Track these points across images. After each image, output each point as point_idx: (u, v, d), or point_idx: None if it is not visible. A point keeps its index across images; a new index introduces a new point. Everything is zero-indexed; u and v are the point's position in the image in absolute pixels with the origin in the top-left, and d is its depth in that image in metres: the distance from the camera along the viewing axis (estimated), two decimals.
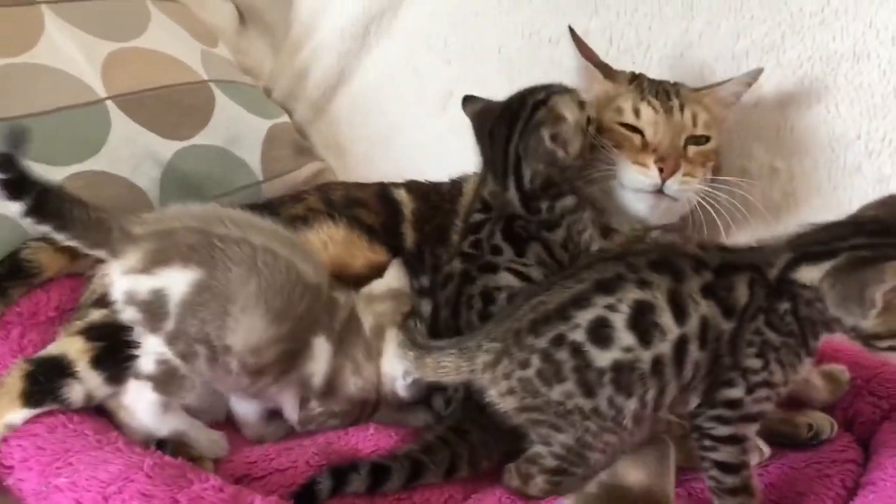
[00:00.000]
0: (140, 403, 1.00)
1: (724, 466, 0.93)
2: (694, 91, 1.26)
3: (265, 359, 1.01)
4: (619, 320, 0.90)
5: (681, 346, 0.90)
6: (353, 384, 1.08)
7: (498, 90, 1.55)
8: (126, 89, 1.47)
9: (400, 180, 1.41)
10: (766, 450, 1.03)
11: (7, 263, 1.24)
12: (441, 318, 1.13)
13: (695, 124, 1.22)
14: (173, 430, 1.00)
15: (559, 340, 0.92)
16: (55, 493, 0.91)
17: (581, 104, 1.17)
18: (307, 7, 1.85)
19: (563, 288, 0.94)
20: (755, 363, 0.91)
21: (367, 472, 0.96)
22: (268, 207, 1.31)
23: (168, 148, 1.48)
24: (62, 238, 0.99)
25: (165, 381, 0.98)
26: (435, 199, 1.35)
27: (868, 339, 0.89)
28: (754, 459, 1.00)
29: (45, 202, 0.95)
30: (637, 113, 1.23)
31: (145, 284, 0.96)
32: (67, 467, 0.93)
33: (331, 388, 1.07)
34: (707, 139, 1.23)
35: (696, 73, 1.37)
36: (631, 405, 0.92)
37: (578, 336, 0.91)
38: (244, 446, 1.03)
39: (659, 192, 1.18)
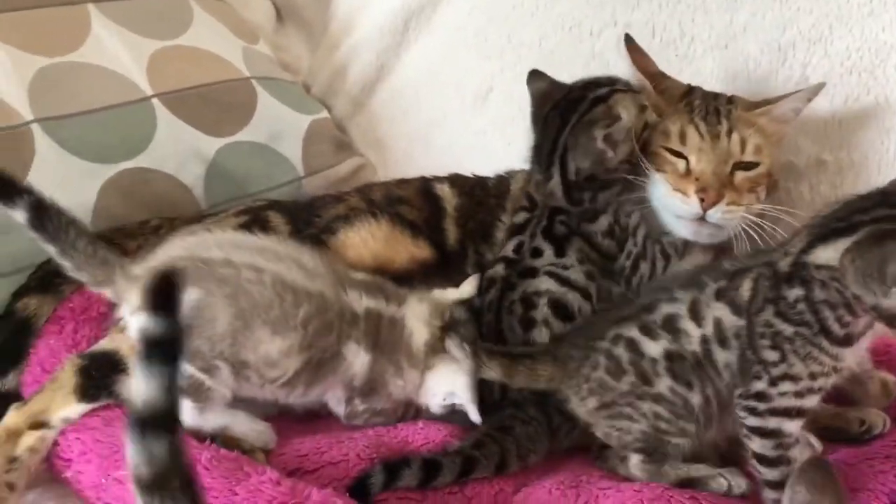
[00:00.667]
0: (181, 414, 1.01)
1: (760, 458, 0.93)
2: (749, 109, 1.20)
3: (286, 370, 1.03)
4: (656, 327, 0.99)
5: (705, 346, 0.95)
6: (395, 386, 1.09)
7: None
8: (171, 87, 1.49)
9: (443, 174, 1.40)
10: (818, 445, 1.02)
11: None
12: (484, 321, 1.13)
13: (743, 150, 1.16)
14: (216, 427, 1.01)
15: (617, 339, 1.00)
16: (115, 486, 0.93)
17: (642, 107, 1.16)
18: (346, 4, 1.86)
19: (621, 310, 1.04)
20: (772, 355, 0.91)
21: (419, 466, 0.97)
22: (309, 207, 1.32)
23: (212, 145, 1.50)
24: (68, 267, 1.02)
25: (195, 392, 1.00)
26: (479, 194, 1.33)
27: (891, 319, 0.86)
28: (805, 455, 1.00)
29: (44, 217, 1.00)
30: (683, 138, 1.17)
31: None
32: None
33: (373, 388, 1.08)
34: (756, 165, 1.17)
35: (740, 65, 1.36)
36: (694, 398, 0.96)
37: (632, 333, 0.99)
38: (295, 439, 1.04)
39: (701, 219, 1.13)
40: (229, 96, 1.57)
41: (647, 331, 0.99)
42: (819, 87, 1.22)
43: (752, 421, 0.93)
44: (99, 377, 1.05)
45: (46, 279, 1.24)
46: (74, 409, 1.03)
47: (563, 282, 1.10)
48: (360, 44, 1.82)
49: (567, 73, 1.52)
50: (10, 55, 1.35)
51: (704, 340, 0.95)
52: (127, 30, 1.51)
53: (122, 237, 1.32)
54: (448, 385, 1.06)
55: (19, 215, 0.99)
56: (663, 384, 0.97)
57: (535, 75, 1.23)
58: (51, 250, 1.02)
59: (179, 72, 1.52)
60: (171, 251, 1.05)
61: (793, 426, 0.93)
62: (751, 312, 0.92)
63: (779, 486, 0.91)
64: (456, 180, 1.37)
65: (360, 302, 1.08)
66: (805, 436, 0.98)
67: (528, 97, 1.25)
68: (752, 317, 0.92)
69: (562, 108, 1.15)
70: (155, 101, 1.46)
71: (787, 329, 0.91)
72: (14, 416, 1.04)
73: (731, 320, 0.94)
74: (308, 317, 1.02)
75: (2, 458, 1.00)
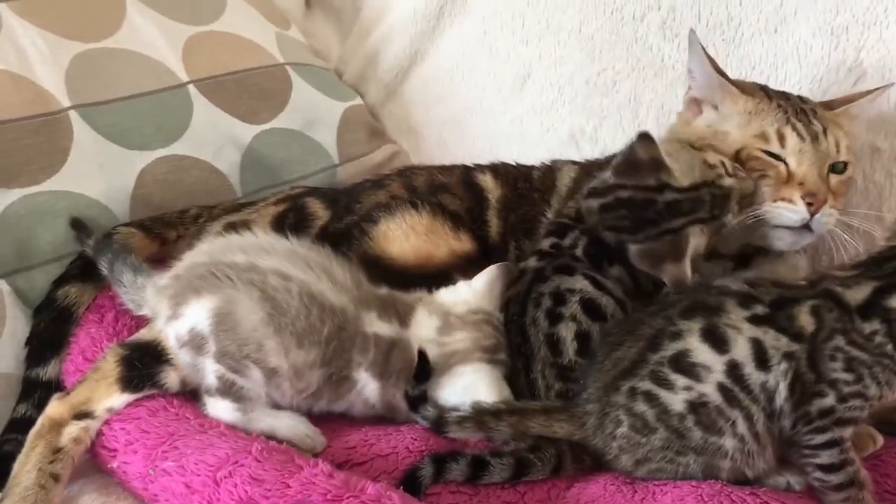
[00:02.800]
0: (221, 413, 1.00)
1: (827, 468, 0.91)
2: (827, 109, 1.17)
3: (310, 383, 1.01)
4: (668, 372, 0.92)
5: (734, 371, 0.90)
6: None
7: (578, 70, 1.55)
8: (206, 73, 1.48)
9: (485, 162, 1.37)
10: (880, 439, 1.00)
11: None
12: (508, 313, 1.08)
13: (838, 151, 1.13)
14: (261, 431, 0.98)
15: (633, 393, 0.93)
16: (163, 477, 0.91)
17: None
18: None
19: (628, 345, 0.96)
20: (845, 376, 0.89)
21: (468, 463, 0.94)
22: (349, 194, 1.30)
23: (248, 131, 1.48)
24: (122, 298, 1.11)
25: (229, 391, 0.99)
26: (523, 186, 1.30)
27: None
28: (868, 450, 0.98)
29: (113, 266, 1.11)
30: (782, 140, 1.13)
31: (182, 327, 0.99)
32: (174, 451, 0.93)
33: (393, 407, 1.05)
34: (846, 166, 1.14)
35: (790, 49, 1.33)
36: (727, 442, 0.90)
37: (647, 385, 0.92)
38: (343, 431, 1.02)
39: (804, 227, 1.10)
40: (264, 83, 1.55)
41: (661, 381, 0.91)
42: (888, 87, 1.19)
43: (820, 438, 0.90)
44: (142, 367, 1.04)
45: (87, 267, 1.22)
46: (118, 399, 1.02)
47: (599, 286, 1.05)
48: (393, 29, 1.79)
49: (608, 57, 1.51)
50: (47, 41, 1.34)
51: (732, 366, 0.90)
52: (162, 15, 1.50)
53: (161, 226, 1.31)
54: (465, 397, 1.00)
55: (103, 268, 1.13)
56: (696, 436, 0.90)
57: (644, 139, 1.09)
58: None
59: (214, 58, 1.50)
60: (195, 257, 1.04)
61: (850, 431, 0.91)
62: (816, 340, 0.90)
63: (846, 486, 0.89)
64: (499, 169, 1.33)
65: (373, 326, 1.03)
66: (868, 429, 0.95)
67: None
68: (817, 344, 0.90)
69: (638, 208, 1.06)
70: (191, 87, 1.45)
71: (866, 357, 0.89)
72: (57, 406, 1.02)
73: (781, 343, 0.90)
74: (331, 334, 1.00)
75: (46, 449, 0.99)
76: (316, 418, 1.03)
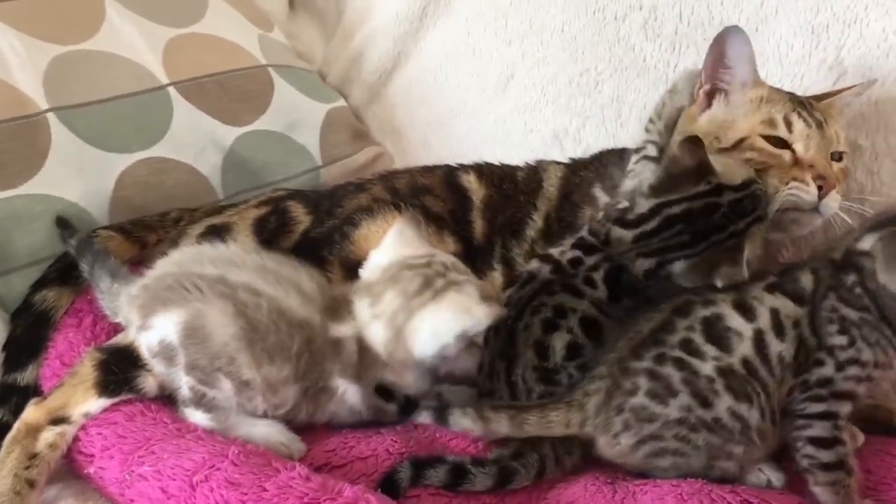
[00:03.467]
0: (198, 420, 0.99)
1: (818, 441, 0.92)
2: (817, 101, 1.18)
3: (286, 399, 1.00)
4: (698, 338, 0.92)
5: (759, 340, 0.92)
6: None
7: (561, 70, 1.55)
8: (187, 75, 1.46)
9: (468, 163, 1.36)
10: (860, 437, 1.00)
11: None
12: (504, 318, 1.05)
13: (838, 140, 1.14)
14: (238, 437, 0.97)
15: (661, 358, 0.92)
16: (139, 482, 0.90)
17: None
18: None
19: (648, 319, 0.96)
20: (840, 340, 0.92)
21: (447, 470, 0.93)
22: (331, 197, 1.29)
23: (229, 133, 1.47)
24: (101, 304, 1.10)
25: (200, 402, 0.98)
26: (508, 187, 1.29)
27: None
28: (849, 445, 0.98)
29: (94, 269, 1.11)
30: (789, 126, 1.12)
31: (152, 339, 0.99)
32: (150, 456, 0.92)
33: (378, 407, 1.03)
34: (842, 155, 1.15)
35: (772, 48, 1.32)
36: (754, 415, 0.90)
37: (676, 352, 0.92)
38: (323, 434, 1.02)
39: (812, 210, 1.09)
40: (246, 84, 1.54)
41: (691, 349, 0.91)
42: (871, 83, 1.19)
43: (815, 408, 0.91)
44: (119, 372, 1.03)
45: (65, 271, 1.22)
46: (95, 403, 1.01)
47: (604, 313, 1.04)
48: (376, 31, 1.78)
49: (591, 58, 1.51)
50: (25, 44, 1.33)
51: (759, 335, 0.91)
52: (142, 17, 1.49)
53: (141, 230, 1.30)
54: (433, 333, 0.97)
55: (84, 270, 1.14)
56: (722, 405, 0.89)
57: (689, 144, 1.04)
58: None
59: (195, 60, 1.49)
60: (165, 267, 1.04)
61: (847, 409, 0.92)
62: (815, 301, 0.93)
63: (834, 467, 0.90)
64: (483, 170, 1.33)
65: (338, 330, 1.02)
66: (849, 427, 0.95)
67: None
68: (816, 304, 0.93)
69: (698, 217, 1.01)
70: (171, 89, 1.44)
71: (852, 314, 0.91)
72: (33, 411, 1.02)
73: (790, 309, 0.93)
74: (301, 349, 0.99)
75: (22, 455, 0.98)
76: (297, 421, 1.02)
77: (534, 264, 1.10)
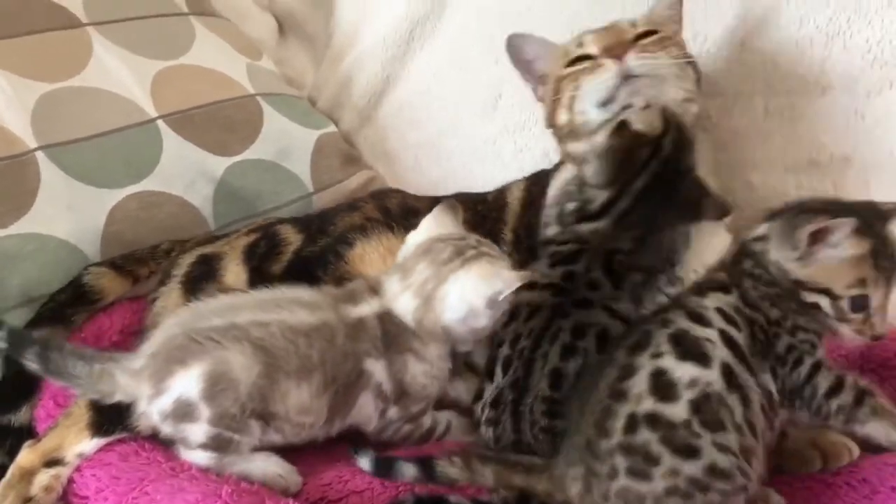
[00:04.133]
0: (196, 459, 0.98)
1: (831, 391, 0.92)
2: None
3: (319, 412, 1.00)
4: (670, 362, 0.87)
5: (728, 339, 0.90)
6: (420, 373, 1.04)
7: None
8: (175, 108, 1.47)
9: (449, 192, 1.38)
10: (856, 449, 0.99)
11: (70, 290, 1.24)
12: (517, 347, 1.04)
13: (635, 26, 1.20)
14: (236, 473, 0.97)
15: (631, 423, 0.84)
16: None
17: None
18: (348, 16, 1.83)
19: (603, 375, 0.90)
20: (776, 312, 0.93)
21: None
22: (323, 217, 1.29)
23: (219, 164, 1.47)
24: (78, 393, 1.02)
25: (218, 446, 0.97)
26: (482, 209, 1.31)
27: (796, 285, 0.93)
28: (843, 461, 0.98)
29: (48, 359, 0.98)
30: (581, 44, 1.21)
31: (165, 402, 0.96)
32: (144, 497, 0.92)
33: (403, 391, 1.04)
34: (654, 31, 1.18)
35: (757, 63, 1.33)
36: (731, 439, 0.84)
37: (646, 406, 0.84)
38: (318, 468, 1.01)
39: (625, 77, 1.13)
40: (235, 114, 1.54)
41: (662, 385, 0.85)
42: None
43: (804, 368, 0.92)
44: (113, 411, 1.02)
45: (58, 310, 1.22)
46: (89, 444, 1.01)
47: (613, 314, 1.04)
48: (364, 55, 1.79)
49: None
50: (11, 82, 1.33)
51: (724, 334, 0.89)
52: (129, 51, 1.49)
53: (133, 264, 1.30)
54: (461, 296, 1.01)
55: (32, 366, 0.98)
56: (706, 444, 0.82)
57: (619, 127, 1.08)
58: (62, 384, 1.02)
59: (184, 92, 1.50)
60: (167, 331, 1.01)
61: (823, 352, 0.94)
62: (738, 286, 0.95)
63: (859, 399, 0.93)
64: (460, 196, 1.33)
65: (357, 311, 1.04)
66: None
67: None
68: (740, 289, 0.95)
69: (658, 176, 1.07)
70: (160, 122, 1.44)
71: (769, 290, 0.94)
72: (28, 454, 1.01)
73: (725, 300, 0.93)
74: (323, 353, 0.99)
75: (17, 500, 0.98)
76: (291, 456, 1.01)
77: (534, 296, 1.07)
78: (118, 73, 1.45)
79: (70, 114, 1.36)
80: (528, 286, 1.06)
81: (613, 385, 0.87)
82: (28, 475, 0.99)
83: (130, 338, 1.21)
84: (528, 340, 1.03)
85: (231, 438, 0.96)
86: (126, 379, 0.97)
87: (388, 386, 1.03)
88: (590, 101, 1.17)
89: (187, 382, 0.95)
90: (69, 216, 1.28)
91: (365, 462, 0.96)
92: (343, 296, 1.07)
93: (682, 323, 0.91)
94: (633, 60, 1.13)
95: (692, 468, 0.82)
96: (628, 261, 1.06)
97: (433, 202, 1.31)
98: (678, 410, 0.84)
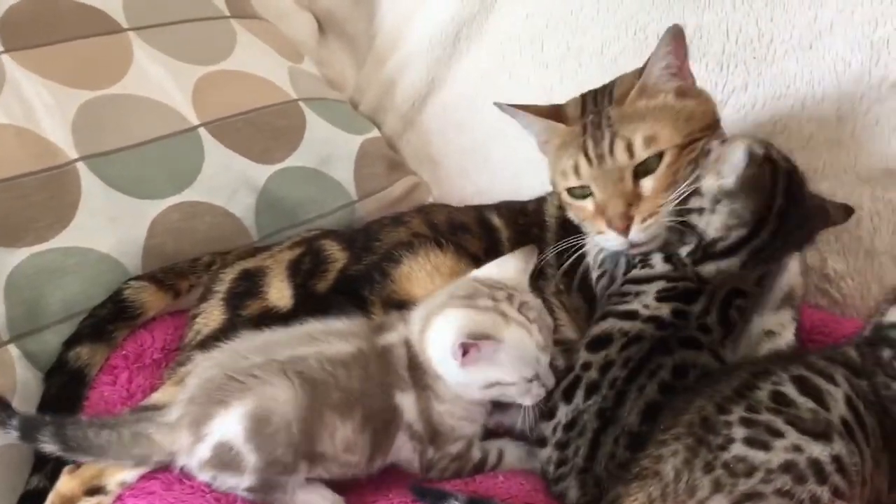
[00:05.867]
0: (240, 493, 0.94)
1: None
2: (624, 98, 1.09)
3: (363, 449, 0.96)
4: (790, 390, 0.85)
5: (849, 402, 0.85)
6: (444, 413, 1.00)
7: None
8: (217, 115, 1.43)
9: (492, 202, 1.34)
10: None
11: (110, 305, 1.21)
12: (608, 375, 0.97)
13: (632, 154, 1.05)
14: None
15: (754, 407, 0.82)
16: None
17: None
18: (392, 16, 1.79)
19: (725, 381, 0.89)
20: None
21: None
22: (368, 234, 1.24)
23: (262, 173, 1.43)
24: (111, 464, 0.96)
25: (263, 490, 0.93)
26: (523, 222, 1.26)
27: None
28: None
29: (66, 437, 0.92)
30: (577, 170, 1.09)
31: (205, 449, 0.92)
32: None
33: (435, 431, 0.99)
34: (657, 158, 1.05)
35: (828, 66, 1.25)
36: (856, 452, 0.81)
37: (769, 403, 0.83)
38: (367, 499, 0.97)
39: (632, 245, 1.07)
40: (277, 121, 1.50)
41: (785, 401, 0.83)
42: (675, 29, 1.08)
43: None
44: None
45: (98, 326, 1.19)
46: (131, 472, 0.97)
47: (718, 358, 0.99)
48: (408, 57, 1.74)
49: None
50: (52, 91, 1.30)
51: (848, 399, 0.85)
52: (170, 57, 1.45)
53: (174, 277, 1.27)
54: (438, 334, 0.97)
55: (49, 448, 0.92)
56: (836, 433, 0.79)
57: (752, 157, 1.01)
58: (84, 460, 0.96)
59: (226, 98, 1.46)
60: (203, 374, 0.96)
61: None
62: (868, 377, 0.89)
63: None
64: (503, 210, 1.29)
65: (385, 338, 1.00)
66: None
67: None
68: (871, 383, 0.89)
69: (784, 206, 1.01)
70: (202, 130, 1.40)
71: None
72: (68, 481, 0.98)
73: (857, 382, 0.88)
74: (362, 382, 0.95)
75: None
76: (337, 485, 0.97)
77: (630, 325, 1.01)
78: (159, 80, 1.41)
79: (111, 122, 1.32)
80: (627, 315, 1.01)
81: (735, 388, 0.86)
82: (68, 503, 0.96)
83: (172, 355, 1.18)
84: (622, 370, 0.97)
85: (277, 482, 0.92)
86: (162, 435, 0.93)
87: (420, 426, 0.98)
88: (607, 251, 1.12)
89: (229, 424, 0.90)
90: (110, 229, 1.25)
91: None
92: (376, 326, 1.04)
93: (804, 372, 0.87)
94: (636, 233, 1.05)
95: (819, 450, 0.77)
96: (745, 304, 1.02)
97: (479, 216, 1.28)
98: (805, 413, 0.82)
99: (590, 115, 1.10)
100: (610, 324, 1.02)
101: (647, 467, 0.83)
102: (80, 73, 1.34)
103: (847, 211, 1.05)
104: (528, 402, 0.97)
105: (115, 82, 1.37)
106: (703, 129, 1.08)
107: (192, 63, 1.48)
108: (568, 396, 0.99)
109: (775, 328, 1.09)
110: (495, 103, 1.18)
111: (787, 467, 0.77)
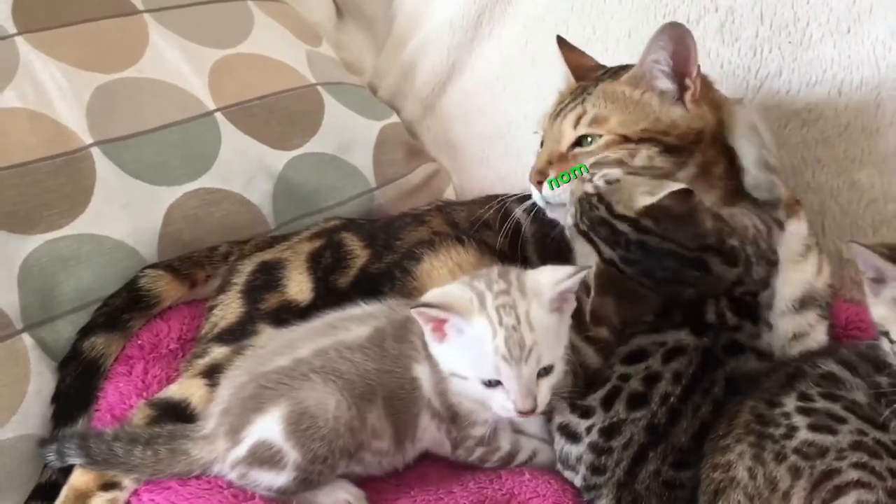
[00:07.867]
0: (262, 491, 0.93)
1: None
2: (617, 77, 1.12)
3: (388, 433, 0.95)
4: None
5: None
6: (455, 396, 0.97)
7: None
8: (234, 100, 1.40)
9: (516, 189, 1.26)
10: None
11: (125, 294, 1.18)
12: (656, 390, 0.93)
13: (576, 125, 1.09)
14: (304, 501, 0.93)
15: (806, 395, 0.82)
16: None
17: None
18: None
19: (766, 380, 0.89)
20: None
21: None
22: (389, 231, 1.21)
23: (279, 159, 1.40)
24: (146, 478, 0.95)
25: (298, 488, 0.92)
26: (540, 213, 1.20)
27: None
28: None
29: (89, 449, 0.93)
30: (543, 120, 1.18)
31: (242, 448, 0.91)
32: None
33: (453, 411, 0.97)
34: (589, 137, 1.07)
35: (867, 50, 1.20)
36: None
37: (819, 388, 0.83)
38: (390, 497, 0.94)
39: (547, 203, 1.10)
40: (295, 105, 1.46)
41: (836, 383, 0.83)
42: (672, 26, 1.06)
43: None
44: None
45: (113, 315, 1.17)
46: None
47: (761, 355, 0.96)
48: (428, 41, 1.70)
49: None
50: (66, 74, 1.27)
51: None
52: (186, 40, 1.42)
53: (191, 266, 1.24)
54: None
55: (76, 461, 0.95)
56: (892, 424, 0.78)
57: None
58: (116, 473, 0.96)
59: (243, 82, 1.42)
60: (235, 381, 0.96)
61: None
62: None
63: None
64: (524, 199, 1.23)
65: (406, 309, 0.97)
66: None
67: None
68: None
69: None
70: (218, 115, 1.37)
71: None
72: (82, 475, 0.97)
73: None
74: (376, 359, 0.94)
75: None
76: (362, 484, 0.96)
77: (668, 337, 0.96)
78: (175, 63, 1.38)
79: (126, 107, 1.29)
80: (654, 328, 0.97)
81: (780, 385, 0.86)
82: (82, 498, 0.95)
83: (188, 345, 1.16)
84: (674, 387, 0.93)
85: (315, 479, 0.91)
86: (200, 449, 0.93)
87: (437, 403, 0.96)
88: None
89: (268, 424, 0.90)
90: (126, 216, 1.22)
91: None
92: (403, 301, 1.03)
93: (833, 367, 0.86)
94: (544, 193, 1.09)
95: (880, 435, 0.78)
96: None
97: (499, 210, 1.23)
98: (859, 395, 0.82)
99: (589, 81, 1.14)
100: (638, 340, 0.97)
101: (721, 479, 0.82)
102: (95, 56, 1.32)
103: None
104: (498, 411, 0.92)
105: (131, 65, 1.34)
106: (666, 135, 1.06)
107: (208, 46, 1.44)
108: (607, 405, 0.94)
109: (802, 329, 1.08)
110: (557, 36, 1.26)
111: (857, 446, 0.77)
